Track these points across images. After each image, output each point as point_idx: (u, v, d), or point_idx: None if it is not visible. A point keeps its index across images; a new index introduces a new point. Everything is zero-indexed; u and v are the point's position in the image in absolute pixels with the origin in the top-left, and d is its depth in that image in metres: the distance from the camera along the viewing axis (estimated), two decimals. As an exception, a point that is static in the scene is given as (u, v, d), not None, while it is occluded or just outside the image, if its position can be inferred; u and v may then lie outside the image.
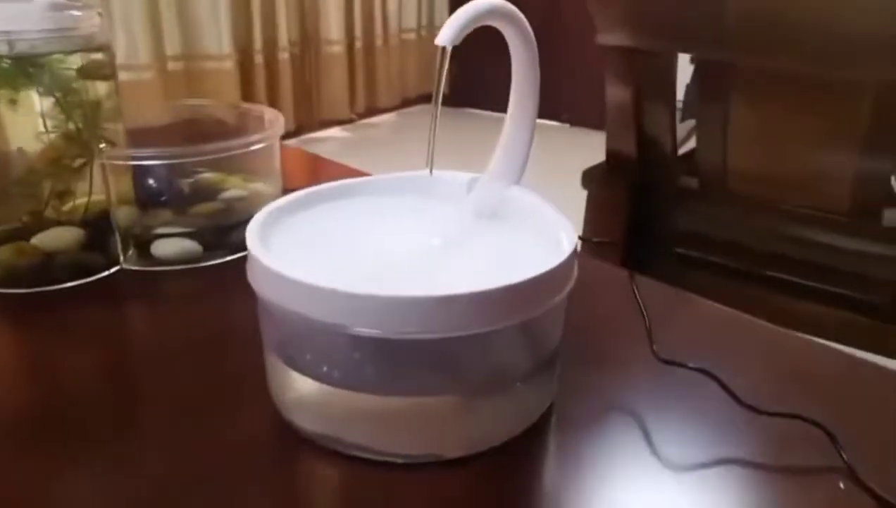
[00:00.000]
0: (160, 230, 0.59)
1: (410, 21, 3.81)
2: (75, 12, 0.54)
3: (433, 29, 3.94)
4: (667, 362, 0.43)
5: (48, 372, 0.47)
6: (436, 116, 0.41)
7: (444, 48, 0.39)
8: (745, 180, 1.23)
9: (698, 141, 1.25)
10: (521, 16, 0.42)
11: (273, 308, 0.37)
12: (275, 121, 0.64)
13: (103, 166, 0.56)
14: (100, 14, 0.55)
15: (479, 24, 0.40)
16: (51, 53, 0.53)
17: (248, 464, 0.38)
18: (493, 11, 0.40)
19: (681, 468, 0.38)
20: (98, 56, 0.54)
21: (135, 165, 0.60)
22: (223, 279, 0.58)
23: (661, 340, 0.44)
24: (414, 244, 0.42)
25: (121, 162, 0.56)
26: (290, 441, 0.39)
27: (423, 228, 0.43)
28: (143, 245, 0.58)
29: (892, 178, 1.16)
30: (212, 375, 0.46)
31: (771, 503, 0.37)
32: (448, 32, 0.38)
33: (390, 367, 0.37)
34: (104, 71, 0.55)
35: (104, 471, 0.38)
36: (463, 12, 0.39)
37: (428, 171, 0.44)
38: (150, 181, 0.64)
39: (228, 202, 0.64)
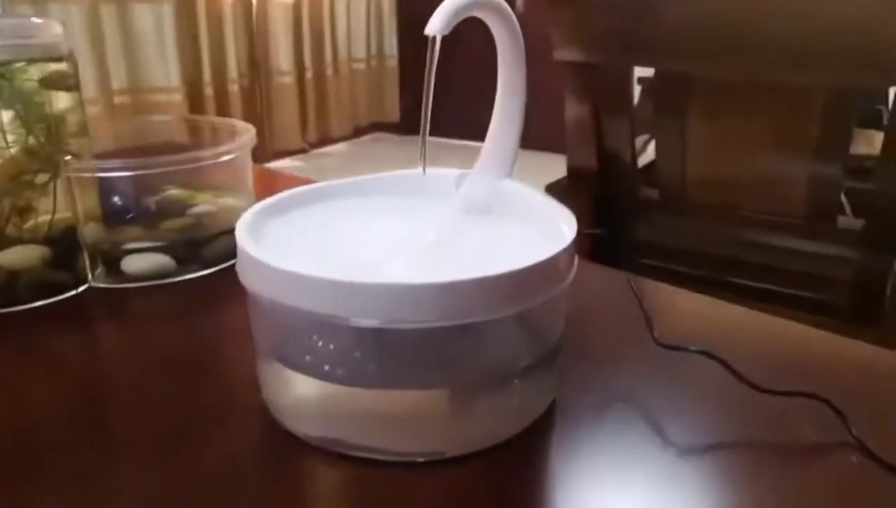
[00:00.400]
0: (130, 246, 0.56)
1: (360, 51, 3.83)
2: (35, 20, 0.51)
3: (383, 58, 3.96)
4: (668, 347, 0.42)
5: (15, 397, 0.44)
6: (427, 109, 0.40)
7: (433, 38, 0.38)
8: (704, 189, 1.25)
9: (657, 153, 1.27)
10: (507, 6, 0.41)
11: (267, 306, 0.36)
12: (246, 133, 0.63)
13: (69, 181, 0.53)
14: (62, 23, 0.53)
15: (467, 14, 0.39)
16: (10, 63, 0.50)
17: (244, 475, 0.36)
18: (479, 2, 0.40)
19: (691, 452, 0.38)
20: (61, 66, 0.52)
21: (100, 181, 0.57)
22: (198, 295, 0.56)
23: (659, 330, 0.44)
24: (409, 240, 0.41)
25: (88, 174, 0.54)
26: (287, 448, 0.37)
27: (418, 224, 0.42)
28: (112, 262, 0.56)
29: (842, 194, 1.19)
30: (196, 392, 0.43)
31: (783, 481, 0.36)
32: (438, 21, 0.38)
33: (391, 360, 0.36)
34: (68, 82, 0.53)
35: (81, 501, 0.35)
36: (451, 2, 0.38)
37: (419, 169, 0.43)
38: (116, 199, 0.61)
39: (199, 217, 0.62)
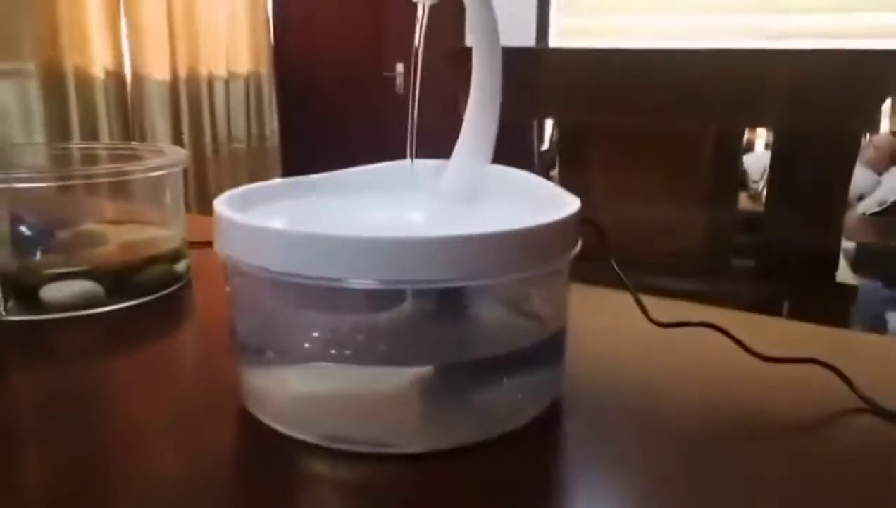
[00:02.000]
0: (51, 271, 0.49)
1: (240, 131, 3.77)
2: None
3: (263, 138, 3.92)
4: (668, 325, 0.41)
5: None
6: (414, 92, 0.38)
7: (423, 5, 0.37)
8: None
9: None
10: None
11: (257, 282, 0.31)
12: (175, 152, 0.58)
13: (-21, 196, 0.47)
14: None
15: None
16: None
17: (237, 483, 0.31)
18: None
19: (703, 432, 0.36)
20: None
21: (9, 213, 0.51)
22: (130, 326, 0.49)
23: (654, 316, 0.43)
24: (396, 222, 0.38)
25: (2, 185, 0.47)
26: (281, 453, 0.32)
27: (403, 210, 0.40)
28: (27, 292, 0.49)
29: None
30: (155, 417, 0.38)
31: (802, 447, 0.35)
32: (426, -10, 0.36)
33: (391, 335, 0.32)
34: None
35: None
36: (437, -27, 0.37)
37: (402, 161, 0.41)
38: (24, 229, 0.54)
39: (125, 245, 0.56)
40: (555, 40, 3.44)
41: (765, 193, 1.64)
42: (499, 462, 0.33)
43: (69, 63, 2.83)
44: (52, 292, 0.49)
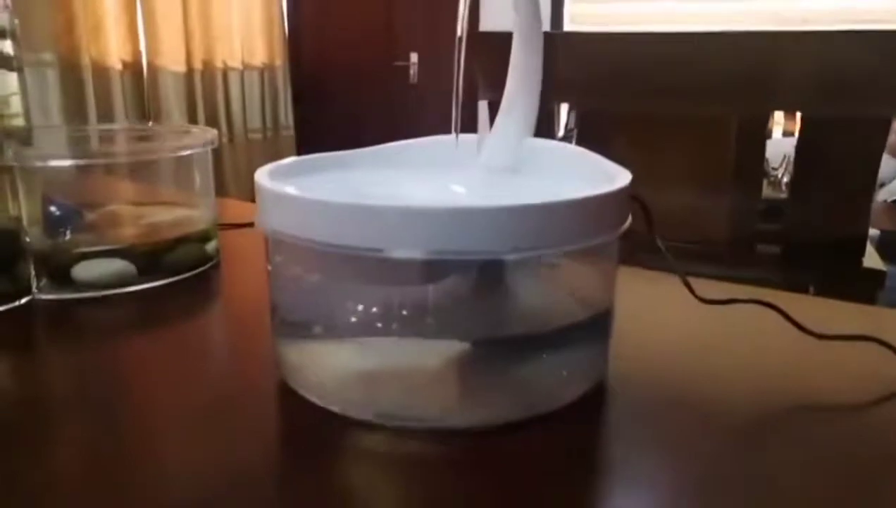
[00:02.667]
0: (83, 250, 0.49)
1: (255, 121, 3.77)
2: (-25, -8, 0.45)
3: (279, 129, 3.92)
4: (716, 302, 0.40)
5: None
6: (459, 72, 0.37)
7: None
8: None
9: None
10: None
11: (303, 251, 0.31)
12: (205, 134, 0.57)
13: (12, 173, 0.46)
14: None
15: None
16: (-57, 39, 0.44)
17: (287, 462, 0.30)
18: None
19: (757, 409, 0.35)
20: (3, 43, 0.46)
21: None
22: (161, 305, 0.49)
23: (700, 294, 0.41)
24: (439, 194, 0.37)
25: (39, 163, 0.47)
26: (326, 430, 0.32)
27: (445, 183, 0.38)
28: (59, 270, 0.48)
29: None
30: (190, 408, 0.37)
31: (860, 426, 0.34)
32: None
33: (442, 306, 0.31)
34: (10, 63, 0.46)
35: None
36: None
37: (441, 136, 0.40)
38: (53, 209, 0.54)
39: (154, 225, 0.56)
40: (567, 27, 3.41)
41: (786, 179, 1.64)
42: (544, 438, 0.32)
43: (86, 54, 2.84)
44: (84, 270, 0.48)
